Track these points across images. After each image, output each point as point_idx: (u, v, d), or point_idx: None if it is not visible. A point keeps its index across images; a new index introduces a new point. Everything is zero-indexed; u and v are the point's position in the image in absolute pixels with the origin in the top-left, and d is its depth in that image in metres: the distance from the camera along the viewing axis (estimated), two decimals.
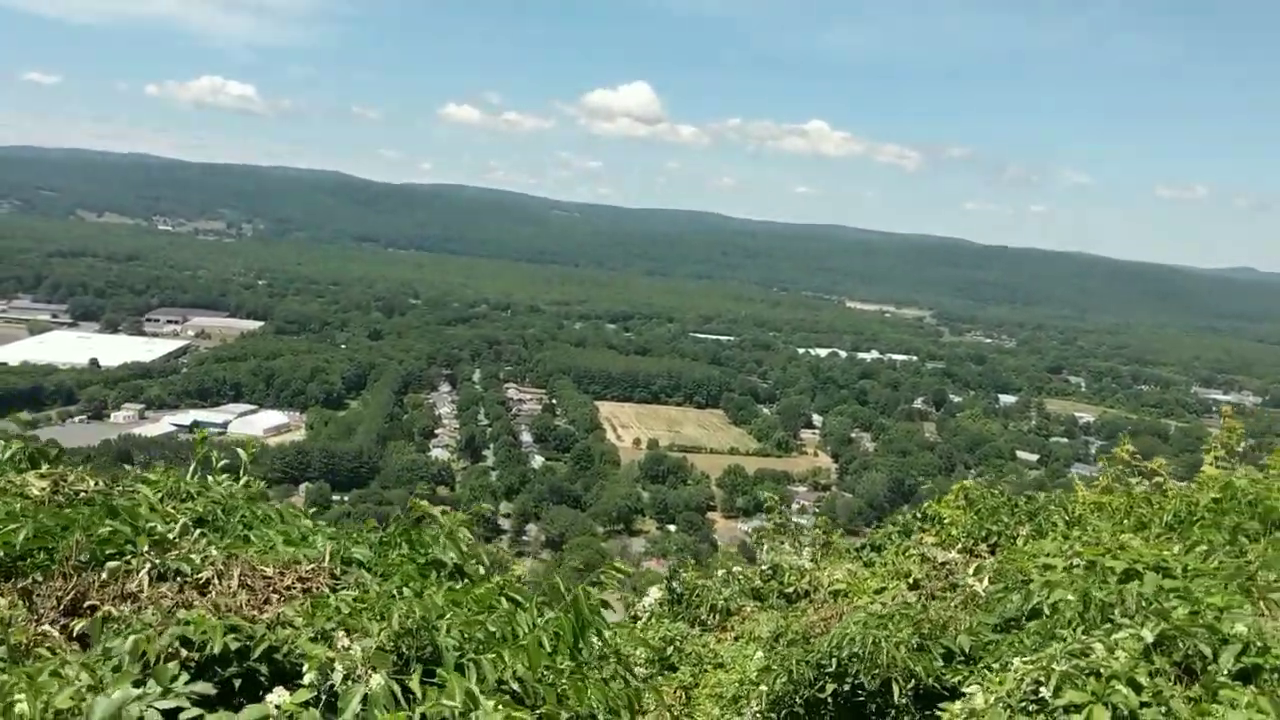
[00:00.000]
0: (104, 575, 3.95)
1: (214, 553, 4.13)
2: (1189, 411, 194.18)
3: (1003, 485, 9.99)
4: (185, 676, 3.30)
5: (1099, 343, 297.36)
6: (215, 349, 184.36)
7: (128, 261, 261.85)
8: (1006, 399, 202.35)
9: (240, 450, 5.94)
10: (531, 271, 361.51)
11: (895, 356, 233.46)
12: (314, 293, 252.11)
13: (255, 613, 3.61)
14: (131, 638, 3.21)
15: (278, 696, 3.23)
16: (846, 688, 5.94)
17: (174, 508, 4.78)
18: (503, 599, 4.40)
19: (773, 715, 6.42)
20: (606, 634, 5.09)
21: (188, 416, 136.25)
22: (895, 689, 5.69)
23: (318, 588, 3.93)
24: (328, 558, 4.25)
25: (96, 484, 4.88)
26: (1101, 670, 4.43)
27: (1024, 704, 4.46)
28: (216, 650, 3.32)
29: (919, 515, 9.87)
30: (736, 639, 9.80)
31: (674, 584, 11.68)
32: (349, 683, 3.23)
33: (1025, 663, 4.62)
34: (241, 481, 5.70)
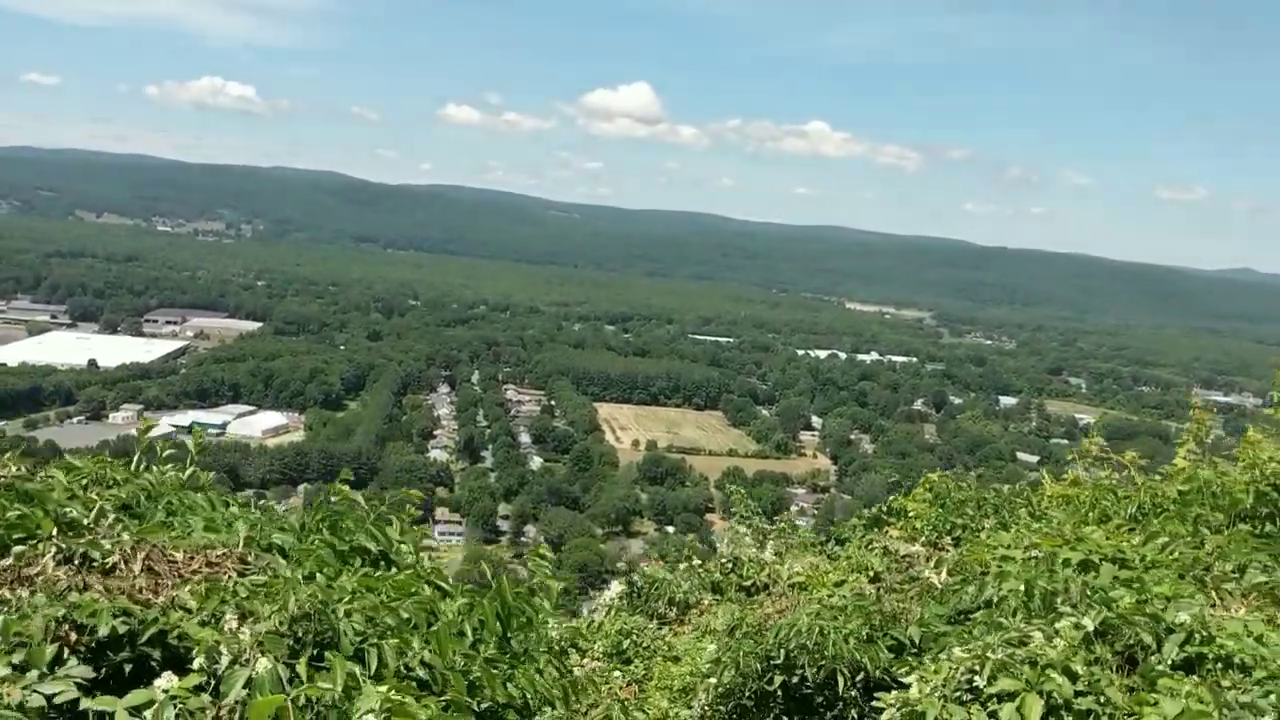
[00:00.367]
0: (10, 560, 3.86)
1: (125, 538, 4.03)
2: (1189, 413, 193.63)
3: (969, 479, 9.89)
4: (74, 661, 3.22)
5: (1099, 344, 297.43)
6: (214, 350, 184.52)
7: (127, 262, 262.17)
8: (1007, 400, 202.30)
9: (187, 441, 5.87)
10: (531, 272, 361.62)
11: (895, 358, 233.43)
12: (313, 293, 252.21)
13: (151, 596, 3.51)
14: (1, 618, 3.12)
15: (166, 681, 3.16)
16: (795, 680, 5.83)
17: (97, 494, 4.69)
18: (426, 586, 4.30)
19: (721, 708, 6.32)
20: (542, 625, 5.00)
21: (186, 417, 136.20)
22: (841, 681, 5.58)
23: (225, 573, 3.83)
24: (242, 543, 4.15)
25: (18, 470, 4.78)
26: (1037, 659, 4.34)
27: (958, 693, 4.37)
28: (104, 633, 3.23)
29: (885, 509, 9.78)
30: (693, 632, 9.72)
31: (634, 577, 11.63)
32: (235, 666, 3.14)
33: (962, 652, 4.53)
34: (188, 472, 5.60)
